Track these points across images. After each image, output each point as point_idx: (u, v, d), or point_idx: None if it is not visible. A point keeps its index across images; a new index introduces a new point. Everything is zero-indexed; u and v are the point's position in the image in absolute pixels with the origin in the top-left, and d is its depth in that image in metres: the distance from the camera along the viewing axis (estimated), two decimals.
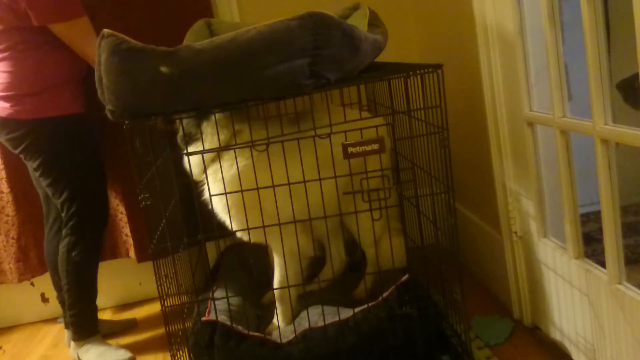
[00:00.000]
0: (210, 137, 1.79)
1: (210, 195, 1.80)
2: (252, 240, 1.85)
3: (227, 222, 1.84)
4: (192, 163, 1.75)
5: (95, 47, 2.03)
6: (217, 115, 1.75)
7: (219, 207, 1.84)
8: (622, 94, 1.92)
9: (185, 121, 1.77)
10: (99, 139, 2.29)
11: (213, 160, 1.81)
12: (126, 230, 2.59)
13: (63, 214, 2.19)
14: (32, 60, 2.07)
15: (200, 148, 1.74)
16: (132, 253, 2.60)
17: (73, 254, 2.17)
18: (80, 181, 2.17)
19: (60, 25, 2.04)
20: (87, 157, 2.21)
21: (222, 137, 1.78)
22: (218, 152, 1.79)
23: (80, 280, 2.21)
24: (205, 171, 1.78)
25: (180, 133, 1.80)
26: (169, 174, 1.96)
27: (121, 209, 2.57)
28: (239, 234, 1.87)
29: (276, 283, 1.94)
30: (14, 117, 2.08)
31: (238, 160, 1.74)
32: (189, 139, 1.80)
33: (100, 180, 2.28)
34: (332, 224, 2.05)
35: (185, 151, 1.77)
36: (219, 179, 1.76)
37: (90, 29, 2.09)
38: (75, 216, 2.17)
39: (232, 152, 1.74)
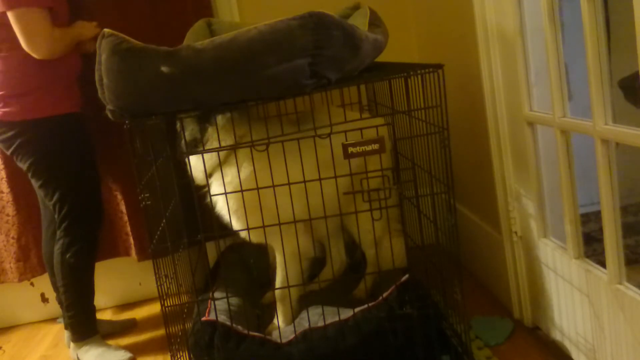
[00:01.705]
0: (215, 142, 1.79)
1: (211, 196, 1.80)
2: (254, 241, 1.85)
3: (231, 223, 1.84)
4: (196, 168, 1.75)
5: (42, 45, 1.95)
6: (221, 120, 1.75)
7: (224, 210, 1.84)
8: (623, 91, 1.92)
9: (190, 127, 1.76)
10: (92, 139, 2.27)
11: (216, 169, 1.80)
12: (126, 229, 2.58)
13: (56, 216, 2.16)
14: (16, 60, 2.03)
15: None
16: (132, 252, 2.60)
17: (67, 256, 2.15)
18: (71, 182, 2.14)
19: (11, 13, 1.93)
20: (78, 158, 2.17)
21: (226, 143, 1.78)
22: (219, 161, 1.78)
23: (77, 281, 2.20)
24: (206, 177, 1.78)
25: (183, 140, 1.80)
26: (169, 174, 1.96)
27: (121, 207, 2.56)
28: (242, 234, 1.87)
29: (278, 283, 1.94)
30: (3, 119, 2.06)
31: (243, 168, 1.73)
32: (195, 144, 1.79)
33: (93, 181, 2.24)
34: (332, 225, 2.05)
35: (184, 152, 1.77)
36: (222, 186, 1.75)
37: (42, 24, 1.95)
38: (68, 218, 2.15)
39: (234, 160, 1.73)
